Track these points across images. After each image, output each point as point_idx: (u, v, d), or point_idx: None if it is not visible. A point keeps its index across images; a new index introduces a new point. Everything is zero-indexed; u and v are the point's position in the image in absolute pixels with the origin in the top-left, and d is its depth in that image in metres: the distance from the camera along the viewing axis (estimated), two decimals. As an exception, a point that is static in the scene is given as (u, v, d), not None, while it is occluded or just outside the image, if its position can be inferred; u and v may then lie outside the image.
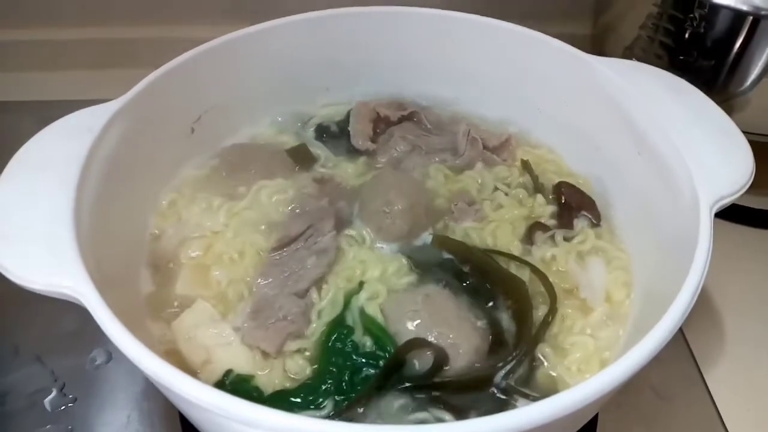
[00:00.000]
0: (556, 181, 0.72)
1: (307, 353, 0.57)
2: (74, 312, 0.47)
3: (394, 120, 0.78)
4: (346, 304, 0.60)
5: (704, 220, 0.52)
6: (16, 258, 0.48)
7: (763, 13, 0.70)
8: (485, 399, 0.54)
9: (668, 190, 0.59)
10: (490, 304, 0.60)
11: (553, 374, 0.57)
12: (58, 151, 0.55)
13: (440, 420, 0.52)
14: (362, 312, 0.59)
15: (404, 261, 0.64)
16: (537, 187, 0.72)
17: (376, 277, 0.62)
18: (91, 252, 0.50)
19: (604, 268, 0.64)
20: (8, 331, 0.71)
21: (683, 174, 0.57)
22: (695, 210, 0.54)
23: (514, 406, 0.54)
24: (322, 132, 0.78)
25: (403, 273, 0.63)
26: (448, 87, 0.80)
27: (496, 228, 0.67)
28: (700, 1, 0.73)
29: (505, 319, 0.59)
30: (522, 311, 0.59)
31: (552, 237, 0.66)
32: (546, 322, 0.59)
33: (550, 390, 0.55)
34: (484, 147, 0.75)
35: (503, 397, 0.54)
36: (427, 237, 0.66)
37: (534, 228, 0.67)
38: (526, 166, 0.74)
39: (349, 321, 0.59)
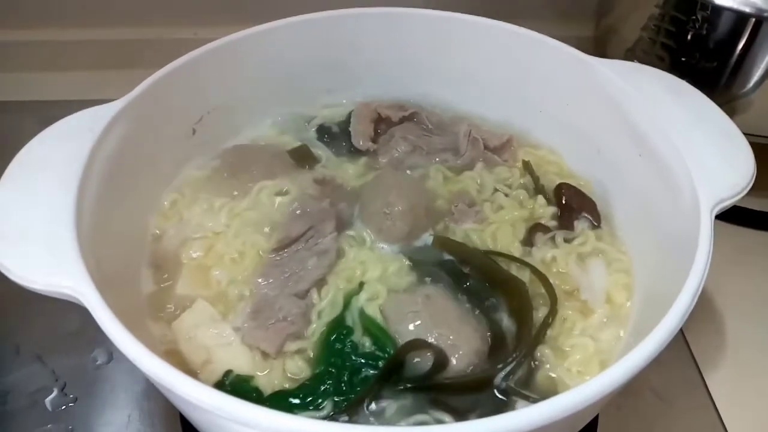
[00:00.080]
0: (557, 182, 0.72)
1: (307, 354, 0.57)
2: (75, 312, 0.47)
3: (395, 120, 0.78)
4: (346, 304, 0.60)
5: (705, 222, 0.52)
6: (17, 258, 0.48)
7: (765, 14, 0.70)
8: (485, 400, 0.54)
9: (669, 191, 0.59)
10: (491, 305, 0.60)
11: (553, 376, 0.57)
12: (60, 151, 0.56)
13: (440, 421, 0.52)
14: (362, 312, 0.59)
15: (404, 262, 0.64)
16: (538, 189, 0.72)
17: (376, 278, 0.62)
18: (91, 252, 0.50)
19: (605, 270, 0.64)
20: (9, 331, 0.71)
21: (684, 176, 0.57)
22: (696, 212, 0.53)
23: (513, 408, 0.54)
24: (324, 133, 0.78)
25: (403, 274, 0.63)
26: (450, 88, 0.80)
27: (497, 229, 0.67)
28: (702, 3, 0.73)
29: (505, 321, 0.59)
30: (522, 312, 0.59)
31: (552, 238, 0.66)
32: (546, 324, 0.59)
33: (549, 392, 0.55)
34: (486, 147, 0.75)
35: (503, 398, 0.54)
36: (427, 238, 0.66)
37: (534, 229, 0.67)
38: (527, 167, 0.74)
39: (349, 321, 0.59)
